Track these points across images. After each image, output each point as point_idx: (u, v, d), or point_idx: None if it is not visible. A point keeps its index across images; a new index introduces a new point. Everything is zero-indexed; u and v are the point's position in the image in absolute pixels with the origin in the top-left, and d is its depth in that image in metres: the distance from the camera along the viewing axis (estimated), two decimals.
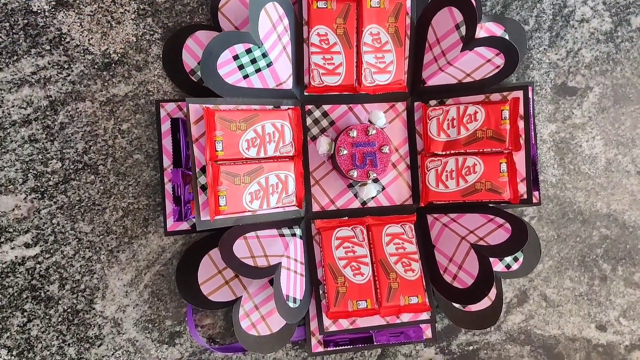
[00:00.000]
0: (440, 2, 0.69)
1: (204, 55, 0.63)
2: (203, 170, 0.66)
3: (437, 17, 0.70)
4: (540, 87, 0.81)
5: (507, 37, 0.78)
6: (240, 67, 0.66)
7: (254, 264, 0.64)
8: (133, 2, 0.70)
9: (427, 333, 0.75)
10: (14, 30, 0.67)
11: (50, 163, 0.69)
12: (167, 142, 0.70)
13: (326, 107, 0.75)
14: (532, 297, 0.81)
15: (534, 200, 0.75)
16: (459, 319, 0.74)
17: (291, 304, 0.66)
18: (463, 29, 0.68)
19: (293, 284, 0.67)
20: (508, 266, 0.76)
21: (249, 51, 0.65)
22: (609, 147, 0.83)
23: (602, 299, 0.83)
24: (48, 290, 0.69)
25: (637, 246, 0.83)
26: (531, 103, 0.76)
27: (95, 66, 0.70)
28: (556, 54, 0.81)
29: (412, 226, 0.74)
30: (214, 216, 0.65)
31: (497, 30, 0.78)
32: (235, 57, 0.65)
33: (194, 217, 0.71)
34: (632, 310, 0.83)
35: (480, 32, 0.74)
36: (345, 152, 0.70)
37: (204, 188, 0.66)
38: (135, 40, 0.71)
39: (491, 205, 0.74)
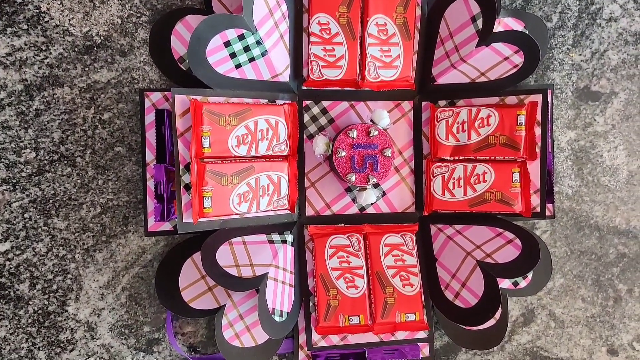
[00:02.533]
0: None
1: (192, 40, 0.57)
2: (187, 168, 0.61)
3: (451, 8, 0.64)
4: (561, 91, 0.74)
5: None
6: (232, 55, 0.61)
7: (238, 273, 0.59)
8: None
9: (425, 351, 0.70)
10: None
11: (24, 152, 0.63)
12: (150, 135, 0.65)
13: (325, 104, 0.69)
14: (540, 316, 0.75)
15: (548, 214, 0.69)
16: (459, 337, 0.69)
17: (277, 318, 0.61)
18: (479, 22, 0.61)
19: (280, 296, 0.62)
20: (515, 283, 0.70)
21: (241, 37, 0.60)
22: (633, 159, 0.76)
23: (616, 322, 0.77)
24: (18, 290, 0.64)
25: None
26: (550, 108, 0.70)
27: (76, 49, 0.64)
28: (580, 54, 0.74)
29: (414, 237, 0.69)
30: (197, 218, 0.60)
31: (517, 26, 0.71)
32: (227, 44, 0.60)
33: (176, 217, 0.65)
34: None
35: (498, 28, 0.67)
36: (343, 153, 0.64)
37: (187, 187, 0.61)
38: (120, 22, 0.65)
39: (500, 217, 0.68)
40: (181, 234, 0.64)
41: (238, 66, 0.62)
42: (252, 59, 0.62)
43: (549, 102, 0.65)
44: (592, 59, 0.75)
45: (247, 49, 0.61)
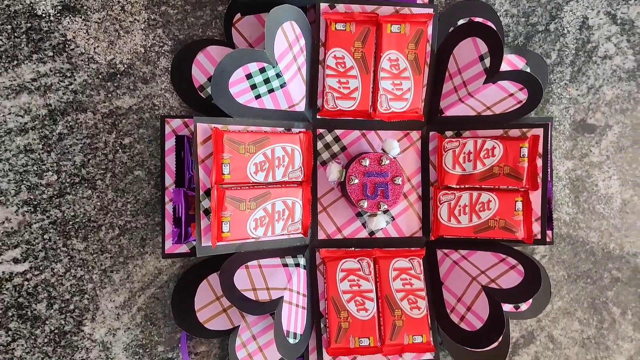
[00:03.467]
0: (464, 31, 0.67)
1: (216, 72, 0.59)
2: (207, 193, 0.63)
3: (460, 46, 0.68)
4: (559, 123, 0.78)
5: (528, 69, 0.75)
6: (253, 86, 0.63)
7: (255, 296, 0.61)
8: (144, 12, 0.67)
9: None
10: (15, 34, 0.64)
11: (46, 175, 0.65)
12: (170, 160, 0.67)
13: (338, 132, 0.72)
14: (539, 338, 0.78)
15: (547, 240, 0.72)
16: (463, 358, 0.71)
17: (291, 340, 0.63)
18: (487, 61, 0.65)
19: (294, 319, 0.64)
20: (517, 306, 0.73)
21: (262, 70, 0.62)
22: (625, 188, 0.80)
23: (610, 343, 0.80)
24: (35, 309, 0.65)
25: None
26: (549, 139, 0.73)
27: (100, 76, 0.66)
28: (577, 89, 0.79)
29: (421, 261, 0.71)
30: (216, 242, 0.62)
31: (519, 62, 0.75)
32: (249, 76, 0.62)
33: (194, 240, 0.67)
34: (639, 356, 0.80)
35: (502, 64, 0.71)
36: (356, 181, 0.67)
37: (206, 212, 0.63)
38: (143, 51, 0.67)
39: (503, 243, 0.71)
40: (204, 258, 0.66)
41: (258, 97, 0.64)
42: (271, 90, 0.65)
43: (549, 134, 0.69)
44: (588, 93, 0.79)
45: (267, 81, 0.63)
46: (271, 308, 0.60)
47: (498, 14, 0.76)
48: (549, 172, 0.70)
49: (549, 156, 0.71)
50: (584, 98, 0.79)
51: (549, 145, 0.69)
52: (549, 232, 0.74)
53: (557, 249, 0.79)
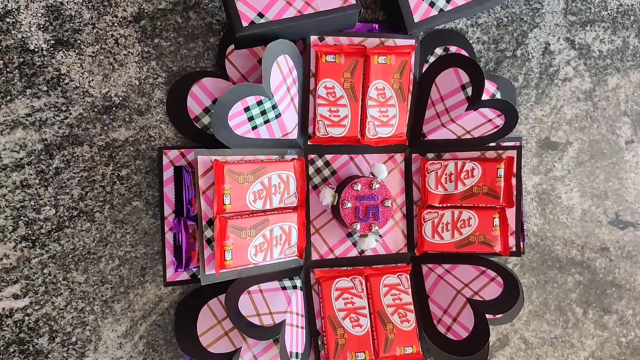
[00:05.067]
0: (446, 62, 0.72)
1: (217, 107, 0.62)
2: (209, 223, 0.65)
3: (442, 75, 0.73)
4: (527, 141, 0.85)
5: (499, 93, 0.82)
6: (250, 118, 0.66)
7: (260, 322, 0.64)
8: (137, 45, 0.68)
9: None
10: (8, 69, 0.63)
11: (43, 210, 0.65)
12: (168, 190, 0.68)
13: (328, 157, 0.75)
14: (513, 340, 0.85)
15: (521, 250, 0.79)
16: None
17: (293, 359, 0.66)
18: (469, 90, 0.70)
19: (295, 339, 0.68)
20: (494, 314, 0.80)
21: (259, 103, 0.65)
22: (585, 199, 0.88)
23: (575, 341, 0.88)
24: (37, 344, 0.65)
25: (605, 291, 0.89)
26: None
27: (95, 109, 0.67)
28: (541, 110, 0.86)
29: (408, 276, 0.76)
30: (219, 270, 0.64)
31: (490, 87, 0.81)
32: (247, 109, 0.65)
33: (194, 267, 0.69)
34: (600, 351, 0.89)
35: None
36: (349, 205, 0.71)
37: (209, 241, 0.65)
38: (138, 83, 0.68)
39: (481, 256, 0.77)
40: (198, 283, 0.68)
41: (254, 127, 0.67)
42: (267, 121, 0.67)
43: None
44: (551, 113, 0.86)
45: (263, 112, 0.66)
46: (276, 332, 0.63)
47: (470, 42, 0.82)
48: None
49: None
50: (548, 118, 0.86)
51: (521, 165, 0.75)
52: (521, 244, 0.81)
53: (527, 258, 0.86)
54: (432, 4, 0.73)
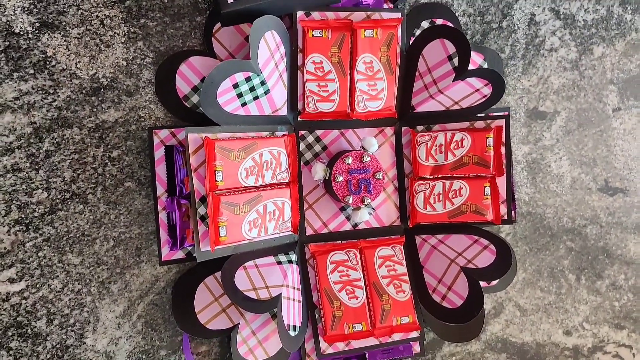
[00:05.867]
0: (432, 33, 0.72)
1: (205, 84, 0.62)
2: (201, 200, 0.65)
3: (429, 47, 0.73)
4: (515, 112, 0.86)
5: (486, 65, 0.82)
6: (239, 95, 0.66)
7: (257, 296, 0.65)
8: (123, 25, 0.68)
9: (416, 348, 0.79)
10: None
11: (36, 193, 0.65)
12: (160, 170, 0.69)
13: (319, 132, 0.76)
14: (508, 307, 0.86)
15: (512, 219, 0.80)
16: (445, 334, 0.78)
17: (291, 333, 0.67)
18: (455, 60, 0.71)
19: (292, 312, 0.68)
20: (488, 281, 0.81)
21: (248, 79, 0.65)
22: (574, 167, 0.89)
23: (568, 306, 0.90)
24: (35, 327, 0.66)
25: (597, 257, 0.91)
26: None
27: (83, 91, 0.67)
28: (528, 80, 0.87)
29: (402, 248, 0.77)
30: (214, 247, 0.65)
31: (477, 58, 0.82)
32: (235, 86, 0.65)
33: (189, 245, 0.70)
34: (594, 316, 0.91)
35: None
36: (341, 178, 0.71)
37: (202, 218, 0.65)
38: (125, 64, 0.68)
39: (474, 225, 0.78)
40: (194, 261, 0.69)
41: (244, 104, 0.67)
42: (256, 98, 0.67)
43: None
44: (538, 84, 0.87)
45: (252, 89, 0.66)
46: (273, 305, 0.64)
47: (456, 14, 0.82)
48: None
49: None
50: (535, 88, 0.87)
51: (510, 134, 0.76)
52: (513, 212, 0.82)
53: (519, 227, 0.87)
54: None
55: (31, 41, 0.64)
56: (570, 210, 0.89)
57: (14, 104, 0.64)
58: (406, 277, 0.76)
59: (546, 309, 0.88)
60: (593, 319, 0.91)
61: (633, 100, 0.92)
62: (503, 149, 0.75)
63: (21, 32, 0.64)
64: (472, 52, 0.80)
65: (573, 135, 0.89)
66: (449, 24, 0.81)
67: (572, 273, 0.90)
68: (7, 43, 0.63)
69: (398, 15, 0.73)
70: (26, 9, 0.64)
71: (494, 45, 0.84)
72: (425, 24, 0.80)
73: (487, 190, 0.75)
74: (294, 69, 0.72)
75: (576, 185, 0.90)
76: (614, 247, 0.91)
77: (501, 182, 0.76)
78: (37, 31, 0.64)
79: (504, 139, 0.75)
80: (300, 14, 0.70)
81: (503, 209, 0.76)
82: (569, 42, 0.88)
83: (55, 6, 0.65)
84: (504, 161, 0.75)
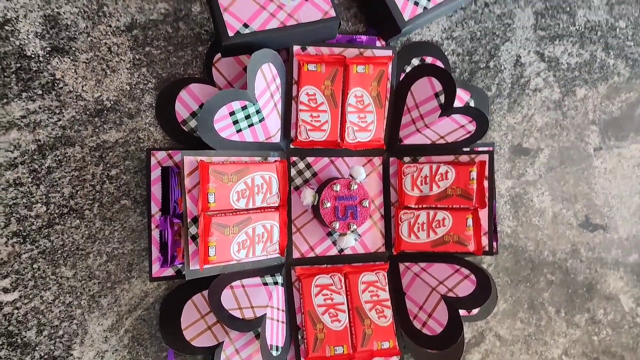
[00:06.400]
0: (421, 71, 0.76)
1: (204, 110, 0.65)
2: (193, 220, 0.68)
3: (417, 84, 0.77)
4: (500, 147, 0.90)
5: (472, 102, 0.86)
6: (235, 122, 0.70)
7: (241, 315, 0.67)
8: (129, 52, 0.72)
9: None
10: (5, 74, 0.67)
11: (35, 207, 0.68)
12: (156, 190, 0.72)
13: (309, 159, 0.79)
14: (488, 337, 0.89)
15: (494, 250, 0.83)
16: (424, 359, 0.80)
17: (274, 353, 0.69)
18: (442, 98, 0.75)
19: (275, 333, 0.71)
20: (469, 310, 0.83)
21: (244, 108, 0.69)
22: (556, 202, 0.93)
23: (547, 338, 0.92)
24: (25, 337, 0.68)
25: (577, 291, 0.93)
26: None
27: (87, 112, 0.70)
28: (513, 118, 0.91)
29: (385, 274, 0.80)
30: (203, 265, 0.67)
31: (464, 95, 0.86)
32: (232, 113, 0.68)
33: (179, 264, 0.72)
34: (573, 349, 0.93)
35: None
36: (328, 204, 0.74)
37: (193, 238, 0.68)
38: (129, 88, 0.72)
39: (457, 255, 0.81)
40: (183, 279, 0.71)
41: (239, 131, 0.71)
42: (251, 125, 0.71)
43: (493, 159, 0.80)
44: (523, 121, 0.91)
45: (248, 117, 0.70)
46: (257, 325, 0.66)
47: (446, 53, 0.87)
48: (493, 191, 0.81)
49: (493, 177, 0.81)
50: (520, 125, 0.91)
51: (493, 169, 0.79)
52: (494, 244, 0.85)
53: (501, 258, 0.90)
54: (416, 3, 0.78)
55: (41, 64, 0.68)
56: (552, 244, 0.92)
57: (21, 121, 0.68)
58: (388, 303, 0.78)
59: (526, 340, 0.90)
60: (572, 352, 0.93)
61: (614, 141, 0.96)
62: (486, 183, 0.78)
63: (32, 55, 0.68)
64: (459, 90, 0.85)
65: (555, 171, 0.93)
66: (439, 62, 0.86)
67: (552, 306, 0.92)
68: (18, 65, 0.67)
69: (389, 53, 0.77)
70: (39, 34, 0.68)
71: (481, 83, 0.89)
72: (415, 61, 0.85)
73: (470, 221, 0.78)
74: (288, 99, 0.76)
75: (557, 220, 0.93)
76: (594, 282, 0.94)
77: (483, 214, 0.79)
78: (47, 55, 0.68)
79: (487, 173, 0.78)
80: (296, 48, 0.75)
81: (485, 241, 0.79)
82: (553, 84, 0.92)
83: (67, 32, 0.69)
84: (487, 194, 0.78)
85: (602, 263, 0.95)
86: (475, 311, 0.83)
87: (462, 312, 0.83)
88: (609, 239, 0.95)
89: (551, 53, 0.92)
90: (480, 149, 0.84)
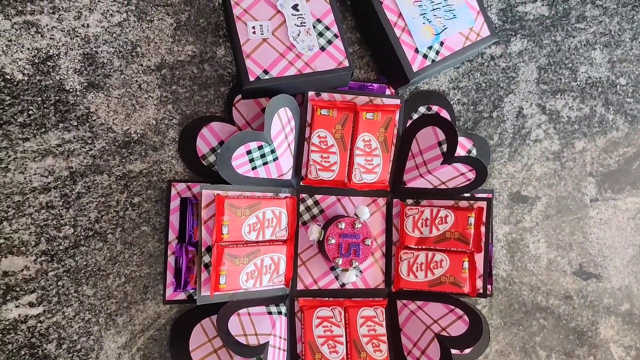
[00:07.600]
0: (426, 121, 0.82)
1: (223, 149, 0.71)
2: (207, 250, 0.74)
3: (422, 132, 0.83)
4: (499, 194, 0.94)
5: (475, 150, 0.91)
6: (251, 160, 0.75)
7: (246, 341, 0.72)
8: (157, 90, 0.78)
9: None
10: (45, 105, 0.74)
11: (64, 229, 0.74)
12: (174, 219, 0.77)
13: (318, 197, 0.85)
14: None
15: (487, 293, 0.87)
16: None
17: None
18: (444, 147, 0.80)
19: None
20: (461, 350, 0.87)
21: (260, 147, 0.75)
22: (551, 249, 0.97)
23: None
24: (46, 349, 0.73)
25: (568, 337, 0.97)
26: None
27: (116, 143, 0.76)
28: (514, 166, 0.95)
29: (383, 310, 0.84)
30: (214, 292, 0.73)
31: (467, 143, 0.91)
32: (248, 152, 0.74)
33: (191, 289, 0.78)
34: None
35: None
36: (333, 241, 0.79)
37: (206, 266, 0.74)
38: (155, 123, 0.78)
39: (452, 296, 0.85)
40: (194, 303, 0.76)
41: (254, 168, 0.76)
42: (265, 163, 0.77)
43: (491, 207, 0.84)
44: (522, 170, 0.96)
45: (263, 155, 0.76)
46: (260, 352, 0.71)
47: (451, 103, 0.92)
48: (490, 236, 0.86)
49: (491, 224, 0.86)
50: (519, 174, 0.96)
51: (491, 215, 0.84)
52: (488, 287, 0.89)
53: (495, 300, 0.94)
54: (425, 56, 0.83)
55: (78, 98, 0.75)
56: (545, 289, 0.96)
57: (56, 149, 0.74)
58: (384, 338, 0.82)
59: None
60: None
61: (610, 193, 1.00)
62: (483, 229, 0.83)
63: (71, 90, 0.75)
64: (462, 138, 0.90)
65: (552, 220, 0.97)
66: (444, 111, 0.91)
67: (544, 350, 0.95)
68: (57, 97, 0.74)
69: (397, 102, 0.83)
70: (77, 70, 0.75)
71: (483, 132, 0.94)
72: (422, 109, 0.90)
73: (466, 264, 0.83)
74: (301, 140, 0.82)
75: (552, 266, 0.97)
76: (585, 329, 0.97)
77: (479, 258, 0.83)
78: (84, 90, 0.75)
79: (484, 219, 0.83)
80: (311, 93, 0.81)
81: (479, 283, 0.84)
82: (553, 135, 0.97)
83: (103, 70, 0.76)
84: (483, 239, 0.83)
85: (594, 311, 0.98)
86: (467, 351, 0.87)
87: (455, 351, 0.86)
88: (602, 288, 0.99)
89: (552, 106, 0.97)
90: (479, 195, 0.89)
